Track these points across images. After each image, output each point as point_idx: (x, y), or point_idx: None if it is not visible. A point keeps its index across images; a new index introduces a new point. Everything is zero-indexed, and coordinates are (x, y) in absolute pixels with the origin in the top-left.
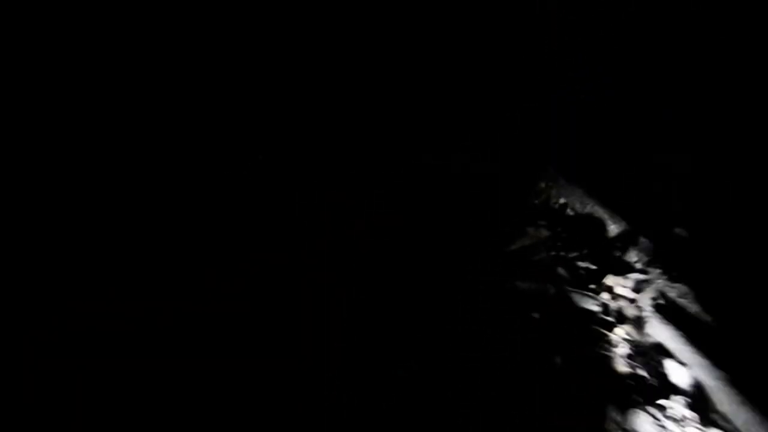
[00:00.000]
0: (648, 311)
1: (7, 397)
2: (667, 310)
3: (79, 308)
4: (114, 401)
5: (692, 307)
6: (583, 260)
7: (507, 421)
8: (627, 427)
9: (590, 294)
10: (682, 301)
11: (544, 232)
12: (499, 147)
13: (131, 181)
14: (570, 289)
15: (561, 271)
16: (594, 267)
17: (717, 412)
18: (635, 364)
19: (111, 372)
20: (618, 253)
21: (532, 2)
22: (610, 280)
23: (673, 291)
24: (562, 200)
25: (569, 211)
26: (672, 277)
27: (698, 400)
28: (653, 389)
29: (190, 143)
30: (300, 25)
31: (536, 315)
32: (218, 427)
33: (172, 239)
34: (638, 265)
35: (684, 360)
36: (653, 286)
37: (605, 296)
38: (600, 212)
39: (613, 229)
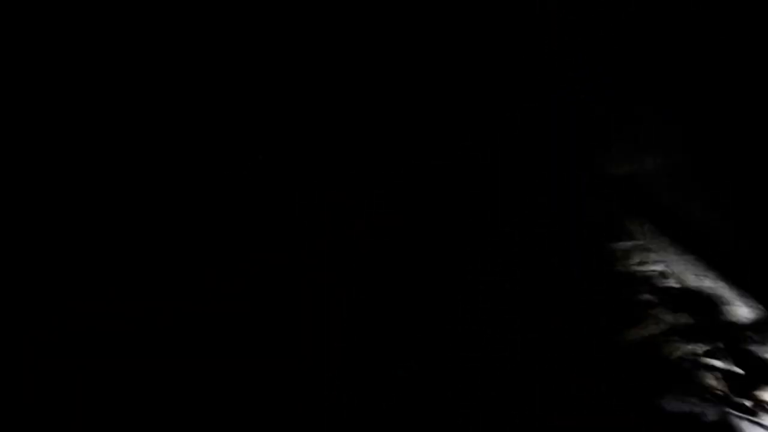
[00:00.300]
0: None
1: (7, 397)
2: None
3: (79, 308)
4: (114, 401)
5: None
6: (717, 358)
7: (507, 421)
8: None
9: (759, 422)
10: None
11: (668, 317)
12: (499, 147)
13: (131, 181)
14: (730, 411)
15: (706, 378)
16: (739, 370)
17: None
18: None
19: (111, 372)
20: (757, 349)
21: (532, 2)
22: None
23: None
24: (660, 267)
25: (674, 283)
26: None
27: None
28: None
29: (191, 143)
30: (301, 25)
31: None
32: (218, 427)
33: (172, 239)
34: None
35: None
36: None
37: None
38: (720, 286)
39: (744, 312)
